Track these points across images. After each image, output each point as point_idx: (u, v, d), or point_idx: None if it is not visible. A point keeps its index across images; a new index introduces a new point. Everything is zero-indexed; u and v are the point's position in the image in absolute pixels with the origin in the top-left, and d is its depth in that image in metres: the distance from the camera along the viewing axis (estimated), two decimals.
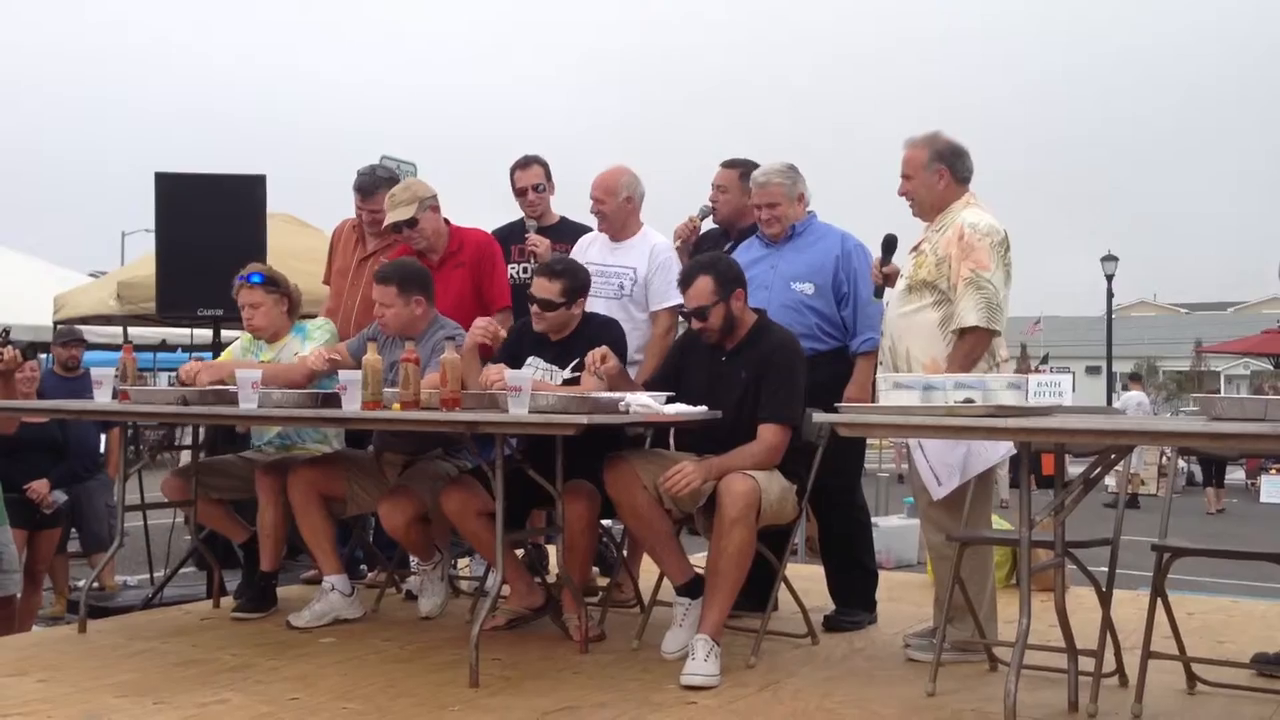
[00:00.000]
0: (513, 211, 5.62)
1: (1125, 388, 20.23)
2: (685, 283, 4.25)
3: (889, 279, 4.37)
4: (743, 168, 5.09)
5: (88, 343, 8.27)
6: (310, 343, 4.95)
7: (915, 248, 4.28)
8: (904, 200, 4.33)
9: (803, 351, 4.27)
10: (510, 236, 5.50)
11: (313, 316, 5.39)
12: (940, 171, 4.21)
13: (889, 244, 4.36)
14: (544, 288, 4.45)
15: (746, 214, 5.04)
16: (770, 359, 4.14)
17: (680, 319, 4.83)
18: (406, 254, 5.28)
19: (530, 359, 4.51)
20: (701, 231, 5.29)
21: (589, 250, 5.13)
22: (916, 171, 4.24)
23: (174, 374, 5.30)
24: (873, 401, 4.53)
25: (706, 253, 4.74)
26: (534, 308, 4.47)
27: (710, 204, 5.17)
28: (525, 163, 5.52)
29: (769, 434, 4.07)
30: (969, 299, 4.00)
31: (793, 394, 4.11)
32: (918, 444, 4.11)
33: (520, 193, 5.52)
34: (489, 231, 5.48)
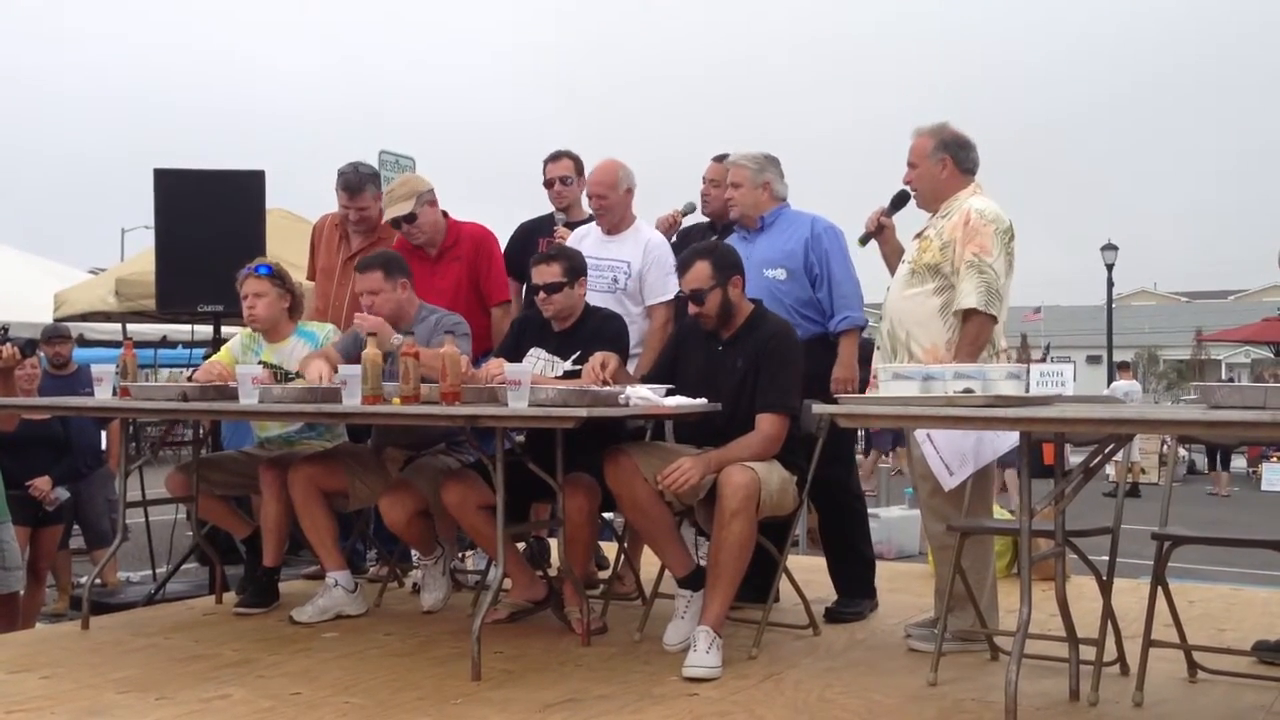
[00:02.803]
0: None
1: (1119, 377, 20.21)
2: (684, 267, 4.27)
3: (882, 229, 4.42)
4: None
5: (80, 339, 8.26)
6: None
7: (919, 234, 4.29)
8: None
9: (799, 340, 4.28)
10: (538, 229, 5.52)
11: None
12: (944, 161, 4.22)
13: (900, 198, 4.40)
14: (545, 273, 4.48)
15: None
16: (766, 347, 4.15)
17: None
18: (401, 251, 5.28)
19: (532, 350, 4.53)
20: (683, 226, 5.38)
21: (582, 244, 5.14)
22: (921, 160, 4.26)
23: (181, 369, 5.29)
24: (860, 379, 4.59)
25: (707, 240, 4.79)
26: (540, 295, 4.51)
27: (704, 197, 5.25)
28: (556, 156, 5.56)
29: (767, 424, 4.07)
30: (969, 281, 4.02)
31: (790, 383, 4.12)
32: (926, 435, 4.11)
33: (548, 184, 5.55)
34: (522, 223, 5.61)
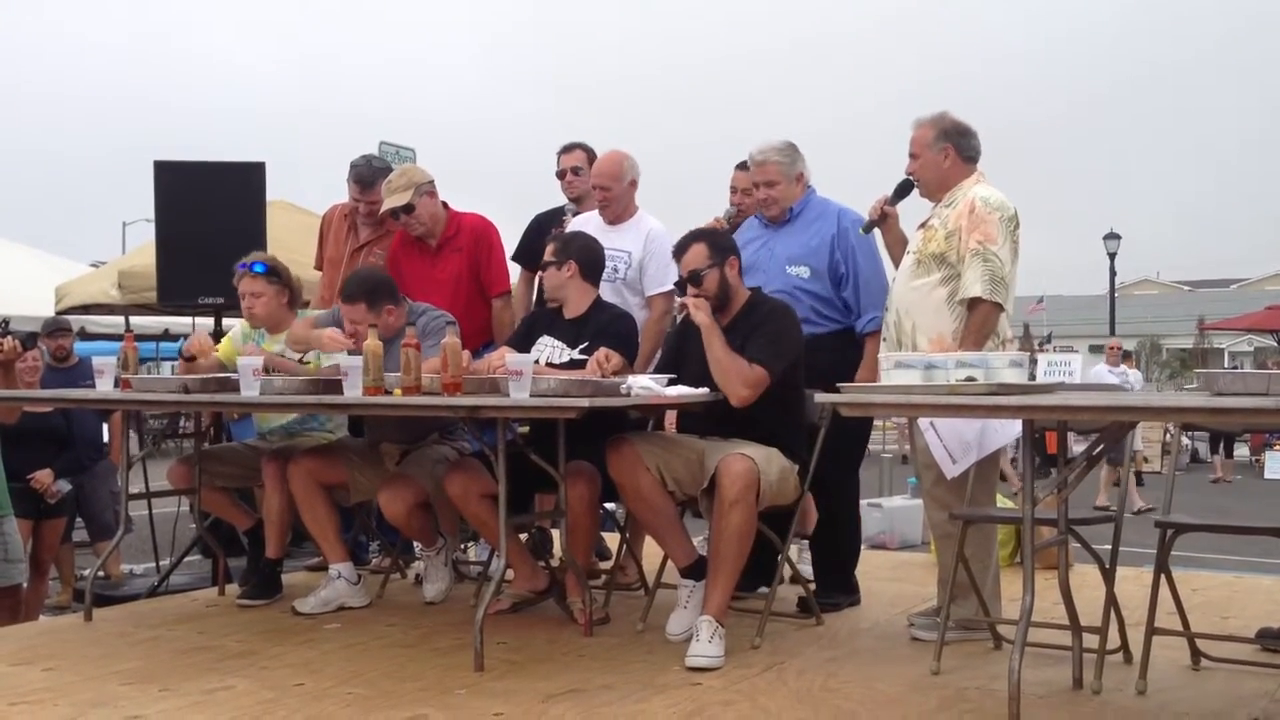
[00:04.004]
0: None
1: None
2: (680, 250, 4.25)
3: (886, 217, 4.38)
4: None
5: (82, 332, 8.25)
6: None
7: (923, 224, 4.27)
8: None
9: (796, 316, 4.26)
10: (550, 220, 5.55)
11: (304, 303, 5.38)
12: (946, 150, 4.20)
13: (903, 187, 4.36)
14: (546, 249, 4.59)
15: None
16: (760, 325, 4.15)
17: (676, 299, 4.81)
18: (402, 242, 5.27)
19: (542, 338, 4.53)
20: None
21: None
22: (923, 150, 4.24)
23: (176, 363, 5.28)
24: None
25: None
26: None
27: (737, 207, 5.15)
28: (569, 147, 5.59)
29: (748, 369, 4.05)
30: (974, 270, 4.00)
31: (775, 345, 4.08)
32: (929, 423, 4.09)
33: (560, 175, 5.58)
34: (536, 215, 5.64)
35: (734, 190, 5.13)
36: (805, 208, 4.74)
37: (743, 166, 5.06)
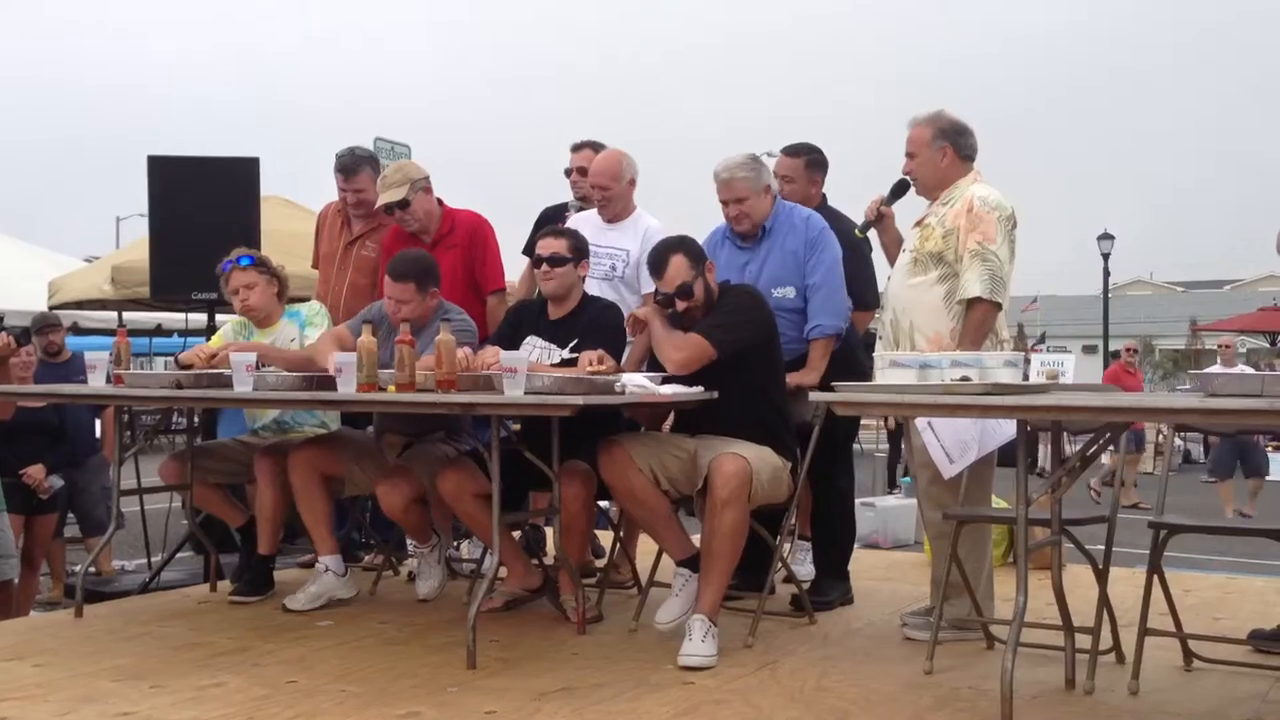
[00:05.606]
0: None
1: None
2: (659, 266, 4.16)
3: (882, 218, 4.40)
4: (808, 155, 5.01)
5: (75, 327, 8.23)
6: (311, 328, 4.94)
7: (919, 222, 4.27)
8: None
9: (757, 295, 4.26)
10: (555, 215, 5.54)
11: (305, 299, 5.37)
12: (944, 149, 4.20)
13: (899, 187, 4.37)
14: (551, 245, 4.48)
15: (812, 201, 4.94)
16: (720, 303, 4.17)
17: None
18: (396, 237, 5.26)
19: (529, 338, 4.51)
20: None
21: (582, 230, 5.12)
22: (920, 149, 4.24)
23: (170, 359, 5.28)
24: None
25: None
26: (543, 268, 4.47)
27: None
28: (579, 146, 5.59)
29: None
30: (974, 270, 4.01)
31: (718, 316, 4.11)
32: (927, 423, 4.09)
33: (566, 173, 5.60)
34: (544, 209, 5.66)
35: (779, 178, 4.90)
36: (775, 222, 4.64)
37: (789, 153, 4.99)
